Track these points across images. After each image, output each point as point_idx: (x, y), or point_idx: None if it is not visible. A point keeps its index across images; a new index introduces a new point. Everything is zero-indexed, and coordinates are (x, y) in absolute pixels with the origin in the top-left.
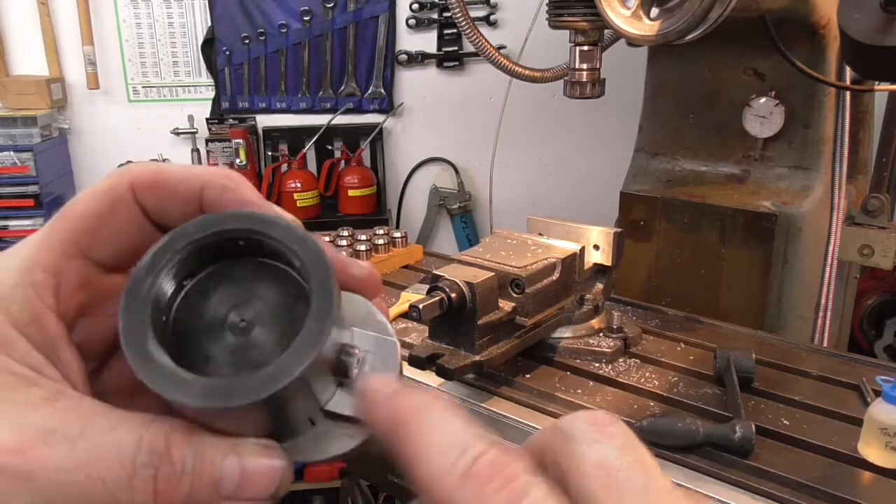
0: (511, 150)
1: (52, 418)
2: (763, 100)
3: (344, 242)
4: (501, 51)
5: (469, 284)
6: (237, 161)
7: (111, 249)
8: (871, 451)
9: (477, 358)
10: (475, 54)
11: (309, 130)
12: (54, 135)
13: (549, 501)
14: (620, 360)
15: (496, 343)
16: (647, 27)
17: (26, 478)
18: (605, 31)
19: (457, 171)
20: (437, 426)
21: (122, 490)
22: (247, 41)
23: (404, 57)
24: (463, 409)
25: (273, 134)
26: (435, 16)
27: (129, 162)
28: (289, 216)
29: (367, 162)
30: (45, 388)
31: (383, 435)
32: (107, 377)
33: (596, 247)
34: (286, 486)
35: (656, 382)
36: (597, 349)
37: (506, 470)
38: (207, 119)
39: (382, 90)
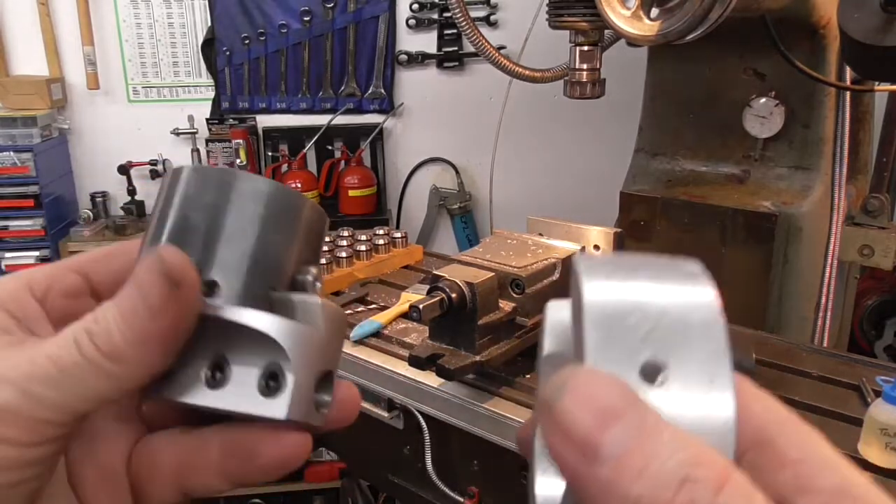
0: (511, 150)
1: (13, 349)
2: (763, 100)
3: (344, 242)
4: (501, 51)
5: (469, 285)
6: (237, 161)
7: (112, 277)
8: (871, 451)
9: (477, 358)
10: (475, 54)
11: (309, 130)
12: (54, 135)
13: None
14: None
15: (496, 343)
16: (647, 27)
17: None
18: (606, 31)
19: (457, 172)
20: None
21: (77, 357)
22: (247, 41)
23: (404, 57)
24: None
25: (273, 134)
26: (435, 16)
27: (129, 162)
28: None
29: (367, 162)
30: (8, 339)
31: (568, 475)
32: None
33: (596, 247)
34: (184, 274)
35: None
36: None
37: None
38: (207, 119)
39: (382, 90)
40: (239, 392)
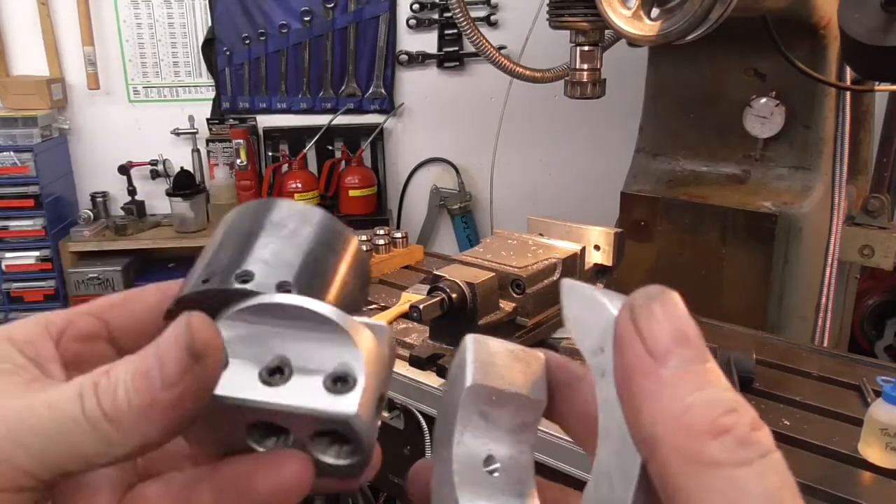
0: (512, 150)
1: (21, 390)
2: (763, 100)
3: None
4: (502, 51)
5: (470, 285)
6: (238, 161)
7: (130, 322)
8: (871, 451)
9: None
10: (476, 54)
11: (309, 131)
12: (54, 135)
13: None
14: None
15: None
16: (647, 27)
17: None
18: (606, 31)
19: (457, 172)
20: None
21: (77, 412)
22: (247, 41)
23: (405, 57)
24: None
25: (274, 134)
26: (435, 16)
27: (129, 162)
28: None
29: (367, 162)
30: (22, 377)
31: (625, 369)
32: None
33: (597, 247)
34: (207, 347)
35: None
36: None
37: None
38: (208, 119)
39: (383, 90)
40: (301, 390)
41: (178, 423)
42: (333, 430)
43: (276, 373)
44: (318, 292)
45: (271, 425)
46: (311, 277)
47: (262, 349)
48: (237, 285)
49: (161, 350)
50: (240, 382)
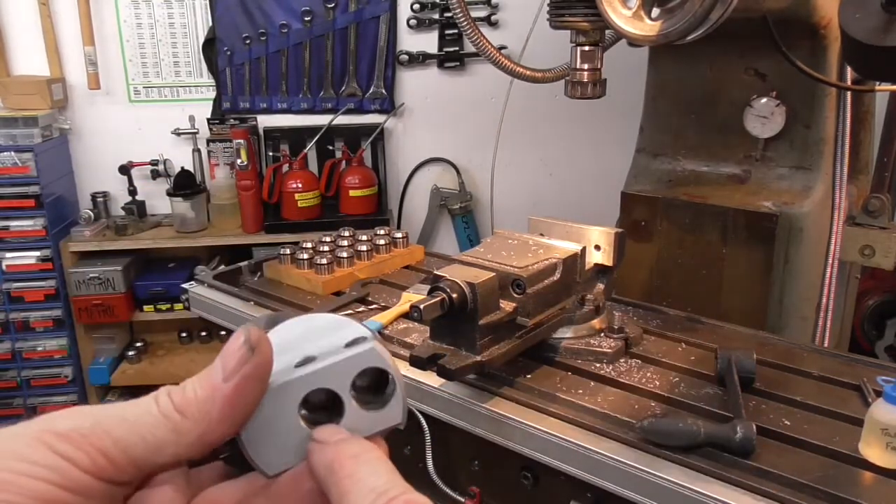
0: (512, 150)
1: None
2: (764, 100)
3: (345, 242)
4: (502, 51)
5: (470, 285)
6: (238, 161)
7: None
8: (872, 451)
9: (478, 358)
10: (476, 55)
11: (310, 131)
12: (55, 135)
13: None
14: (622, 360)
15: (497, 343)
16: (648, 27)
17: None
18: (607, 31)
19: (458, 172)
20: (368, 470)
21: (152, 407)
22: (248, 41)
23: (405, 57)
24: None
25: (274, 134)
26: (436, 16)
27: (130, 162)
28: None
29: (368, 162)
30: None
31: (321, 473)
32: None
33: (597, 247)
34: (260, 340)
35: (657, 383)
36: (598, 349)
37: None
38: (208, 119)
39: (383, 90)
40: (329, 357)
41: (238, 410)
42: (365, 377)
43: (306, 362)
44: None
45: (318, 401)
46: None
47: (292, 354)
48: None
49: (223, 353)
50: (283, 373)
